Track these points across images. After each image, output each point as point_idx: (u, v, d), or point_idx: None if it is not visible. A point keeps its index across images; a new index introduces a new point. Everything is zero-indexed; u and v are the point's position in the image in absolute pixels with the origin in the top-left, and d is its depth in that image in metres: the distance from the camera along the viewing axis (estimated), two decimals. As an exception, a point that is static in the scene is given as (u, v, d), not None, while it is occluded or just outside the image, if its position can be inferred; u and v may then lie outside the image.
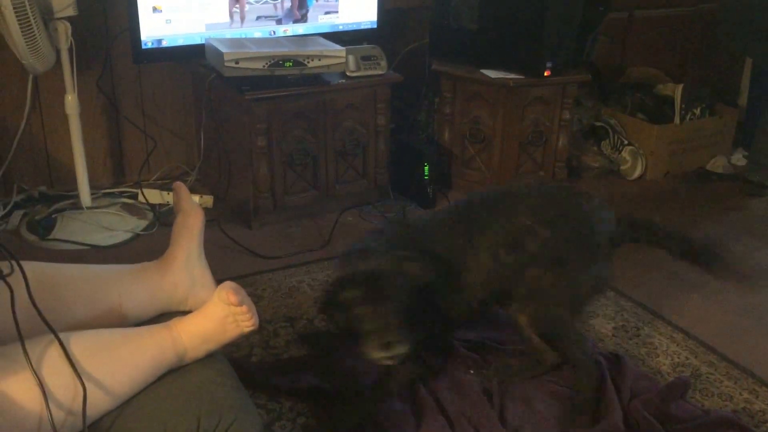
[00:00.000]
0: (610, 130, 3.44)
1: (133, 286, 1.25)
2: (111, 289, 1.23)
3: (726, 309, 2.36)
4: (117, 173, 3.03)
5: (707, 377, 2.01)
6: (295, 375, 1.90)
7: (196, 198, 2.88)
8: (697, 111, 3.45)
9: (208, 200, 2.92)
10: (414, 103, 3.27)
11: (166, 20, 2.65)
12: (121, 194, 2.93)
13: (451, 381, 1.90)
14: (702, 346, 2.14)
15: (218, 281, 2.37)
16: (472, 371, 1.92)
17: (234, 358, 2.00)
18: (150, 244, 2.62)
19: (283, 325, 2.18)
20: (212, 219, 2.81)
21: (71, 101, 2.61)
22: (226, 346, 2.01)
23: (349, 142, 2.84)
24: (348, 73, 2.79)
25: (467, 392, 1.85)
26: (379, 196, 3.01)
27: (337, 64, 2.66)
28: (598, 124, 3.46)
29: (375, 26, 3.05)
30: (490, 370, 1.92)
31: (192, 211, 1.39)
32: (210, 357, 1.21)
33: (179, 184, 1.43)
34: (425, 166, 2.96)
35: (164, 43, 2.68)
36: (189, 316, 1.22)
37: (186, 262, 1.34)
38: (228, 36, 2.77)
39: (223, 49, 2.52)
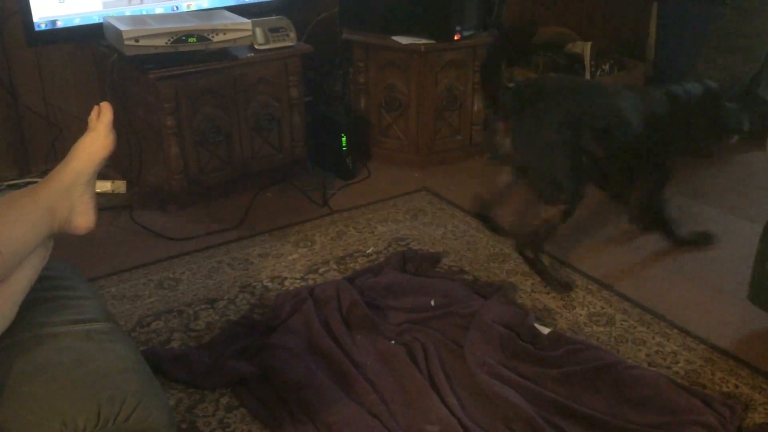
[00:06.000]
0: (524, 91, 3.47)
1: (5, 228, 1.15)
2: None
3: (638, 258, 2.44)
4: (21, 164, 2.90)
5: (621, 324, 2.07)
6: (216, 361, 1.86)
7: (107, 183, 2.79)
8: (606, 67, 3.53)
9: (121, 185, 2.82)
10: (329, 74, 3.23)
11: (60, -1, 2.53)
12: (26, 185, 2.78)
13: (375, 352, 1.90)
14: (616, 295, 2.21)
15: (134, 267, 2.35)
16: (393, 341, 1.93)
17: (152, 346, 1.96)
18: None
19: (204, 307, 2.14)
20: (125, 205, 2.73)
21: (-38, 90, 2.47)
22: (143, 332, 1.99)
23: (263, 117, 2.79)
24: (257, 46, 2.73)
25: (393, 362, 1.85)
26: (297, 169, 2.97)
27: (244, 37, 2.60)
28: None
29: (283, -3, 2.99)
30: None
31: (105, 136, 1.31)
32: (112, 342, 1.17)
33: (107, 105, 1.34)
34: (342, 137, 2.93)
35: (59, 24, 2.55)
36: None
37: (70, 186, 1.26)
38: (128, 13, 2.66)
39: (121, 27, 2.42)
